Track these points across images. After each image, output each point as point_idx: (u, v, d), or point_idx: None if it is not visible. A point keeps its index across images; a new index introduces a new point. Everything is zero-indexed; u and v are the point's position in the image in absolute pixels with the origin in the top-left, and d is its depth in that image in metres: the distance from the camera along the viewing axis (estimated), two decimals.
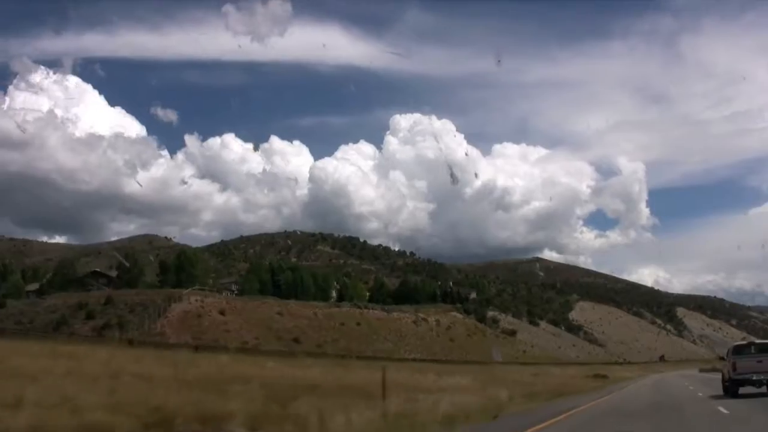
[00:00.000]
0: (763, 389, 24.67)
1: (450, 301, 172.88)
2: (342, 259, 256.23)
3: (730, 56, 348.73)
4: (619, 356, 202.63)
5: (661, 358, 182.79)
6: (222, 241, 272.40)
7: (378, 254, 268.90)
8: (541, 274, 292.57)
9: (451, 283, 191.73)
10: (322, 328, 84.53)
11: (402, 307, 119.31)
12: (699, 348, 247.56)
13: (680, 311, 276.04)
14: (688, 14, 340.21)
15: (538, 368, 77.76)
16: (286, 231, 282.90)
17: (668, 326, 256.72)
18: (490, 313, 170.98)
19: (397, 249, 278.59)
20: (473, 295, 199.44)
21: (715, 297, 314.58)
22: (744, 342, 30.99)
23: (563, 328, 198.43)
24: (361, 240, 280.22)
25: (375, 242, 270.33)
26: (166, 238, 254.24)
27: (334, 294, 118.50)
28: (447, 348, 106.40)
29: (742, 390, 24.90)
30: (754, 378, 24.53)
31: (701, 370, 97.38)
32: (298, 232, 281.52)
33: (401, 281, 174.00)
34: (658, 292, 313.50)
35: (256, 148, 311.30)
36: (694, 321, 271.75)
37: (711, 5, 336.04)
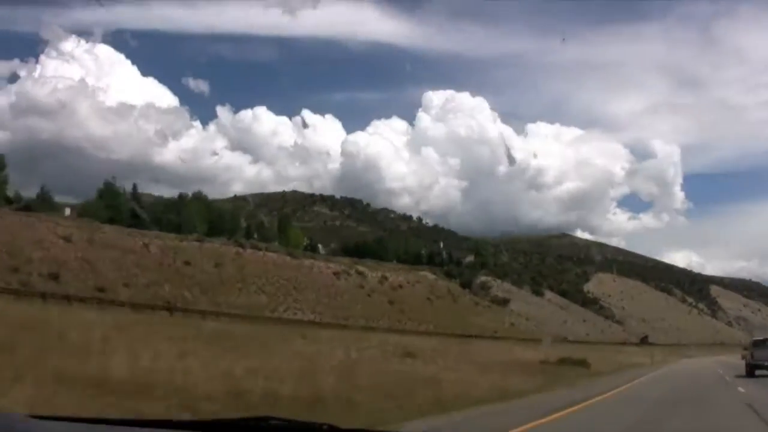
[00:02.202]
0: None
1: (439, 264, 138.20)
2: (339, 221, 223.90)
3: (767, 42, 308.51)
4: (640, 336, 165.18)
5: (643, 340, 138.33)
6: (214, 200, 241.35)
7: (380, 218, 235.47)
8: (590, 255, 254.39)
9: (441, 244, 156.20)
10: (139, 266, 50.55)
11: (332, 257, 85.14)
12: (735, 331, 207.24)
13: (714, 290, 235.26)
14: None
15: (469, 344, 42.57)
16: (284, 191, 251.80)
17: (701, 305, 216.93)
18: (482, 278, 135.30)
19: (403, 214, 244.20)
20: (468, 258, 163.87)
21: (750, 280, 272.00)
22: (761, 338, 35.51)
23: (575, 300, 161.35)
24: (365, 202, 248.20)
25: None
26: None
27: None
28: (380, 310, 71.60)
29: (757, 372, 31.11)
30: (767, 364, 30.84)
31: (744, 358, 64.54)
32: (296, 192, 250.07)
33: (377, 238, 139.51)
34: (691, 272, 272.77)
35: (305, 125, 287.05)
36: (729, 301, 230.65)
37: None
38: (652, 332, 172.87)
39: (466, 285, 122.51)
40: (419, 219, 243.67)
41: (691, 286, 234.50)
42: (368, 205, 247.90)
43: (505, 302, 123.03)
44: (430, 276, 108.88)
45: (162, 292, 47.67)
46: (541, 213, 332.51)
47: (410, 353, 27.74)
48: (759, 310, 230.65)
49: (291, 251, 76.90)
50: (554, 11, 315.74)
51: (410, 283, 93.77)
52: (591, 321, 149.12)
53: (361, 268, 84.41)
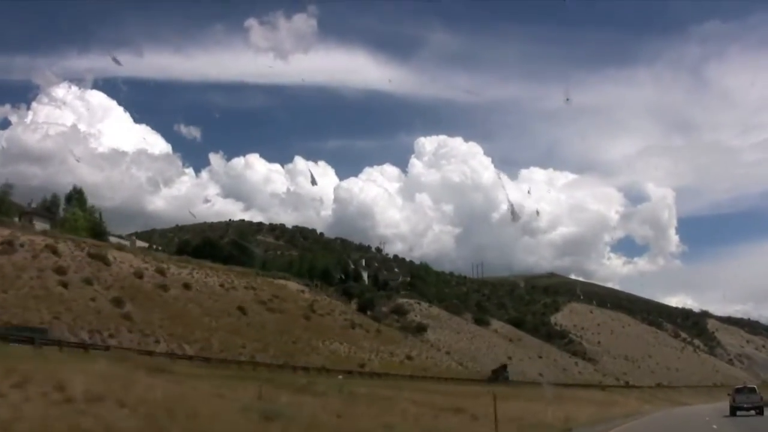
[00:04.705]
0: (751, 413, 37.08)
1: (352, 281, 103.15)
2: (282, 250, 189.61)
3: (758, 84, 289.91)
4: (619, 377, 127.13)
5: (497, 372, 76.36)
6: (153, 229, 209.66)
7: (333, 247, 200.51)
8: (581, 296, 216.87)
9: (363, 262, 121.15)
10: None
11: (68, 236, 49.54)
12: (737, 370, 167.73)
13: (712, 324, 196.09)
14: (713, 42, 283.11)
15: None
16: (230, 220, 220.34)
17: (696, 341, 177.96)
18: (401, 301, 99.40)
19: (359, 244, 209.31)
20: (400, 278, 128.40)
21: (749, 319, 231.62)
22: (741, 386, 42.99)
23: (538, 333, 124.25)
24: (318, 232, 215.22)
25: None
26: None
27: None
28: (75, 309, 35.63)
29: (738, 413, 37.37)
30: (745, 405, 38.04)
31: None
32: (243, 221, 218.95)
33: (234, 240, 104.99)
34: (683, 309, 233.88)
35: (313, 183, 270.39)
36: (729, 336, 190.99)
37: (737, 34, 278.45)
38: (634, 372, 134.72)
39: (366, 306, 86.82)
40: (378, 249, 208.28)
41: (685, 320, 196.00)
42: (321, 234, 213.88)
43: (419, 329, 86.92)
44: (294, 287, 73.22)
45: None
46: (536, 258, 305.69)
47: None
48: (763, 346, 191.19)
49: None
50: (546, 57, 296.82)
51: (226, 287, 58.30)
52: (551, 357, 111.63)
53: (116, 254, 49.30)
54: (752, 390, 40.50)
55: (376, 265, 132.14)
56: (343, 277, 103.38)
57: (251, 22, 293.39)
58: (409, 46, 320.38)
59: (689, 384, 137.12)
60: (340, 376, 38.82)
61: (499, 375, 72.37)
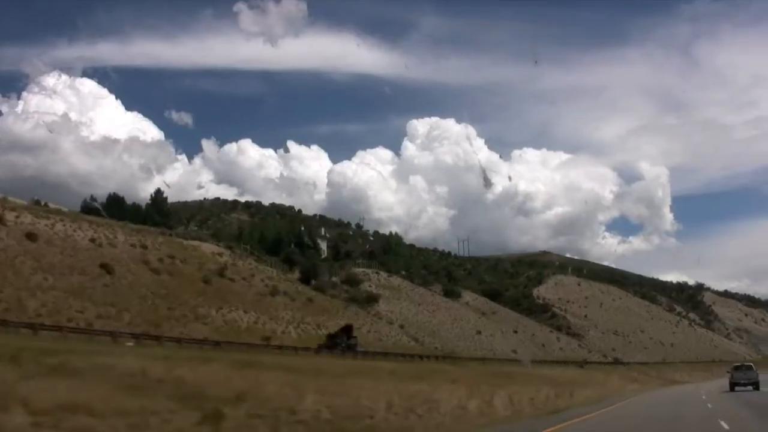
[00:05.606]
0: (749, 388, 39.95)
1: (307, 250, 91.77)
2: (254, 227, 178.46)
3: (750, 61, 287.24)
4: (607, 353, 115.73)
5: (334, 338, 49.69)
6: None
7: (311, 224, 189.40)
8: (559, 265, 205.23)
9: (323, 230, 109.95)
10: None
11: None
12: (735, 344, 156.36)
13: (709, 297, 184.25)
14: (704, 21, 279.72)
15: None
16: (204, 198, 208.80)
17: (692, 315, 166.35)
18: (358, 270, 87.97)
19: (338, 220, 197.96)
20: (368, 247, 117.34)
21: (745, 294, 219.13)
22: (738, 364, 47.65)
23: (519, 307, 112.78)
24: (296, 209, 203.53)
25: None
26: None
27: None
28: None
29: (737, 388, 40.39)
30: (742, 381, 41.09)
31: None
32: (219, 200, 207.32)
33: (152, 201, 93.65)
34: (678, 283, 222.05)
35: (286, 150, 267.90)
36: (727, 310, 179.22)
37: (727, 12, 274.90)
38: (625, 348, 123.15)
39: (310, 275, 75.29)
40: (358, 225, 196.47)
41: (680, 294, 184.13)
42: (300, 211, 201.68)
43: (370, 300, 75.37)
44: (210, 249, 61.75)
45: None
46: (530, 238, 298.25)
47: None
48: (763, 319, 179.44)
49: None
50: (536, 38, 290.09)
51: (98, 243, 46.74)
52: (528, 332, 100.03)
53: None
54: (749, 367, 44.92)
55: (322, 237, 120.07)
56: (292, 245, 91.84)
57: (240, 7, 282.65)
58: (400, 28, 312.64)
59: (686, 359, 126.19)
60: (129, 343, 27.63)
61: (339, 341, 48.64)
